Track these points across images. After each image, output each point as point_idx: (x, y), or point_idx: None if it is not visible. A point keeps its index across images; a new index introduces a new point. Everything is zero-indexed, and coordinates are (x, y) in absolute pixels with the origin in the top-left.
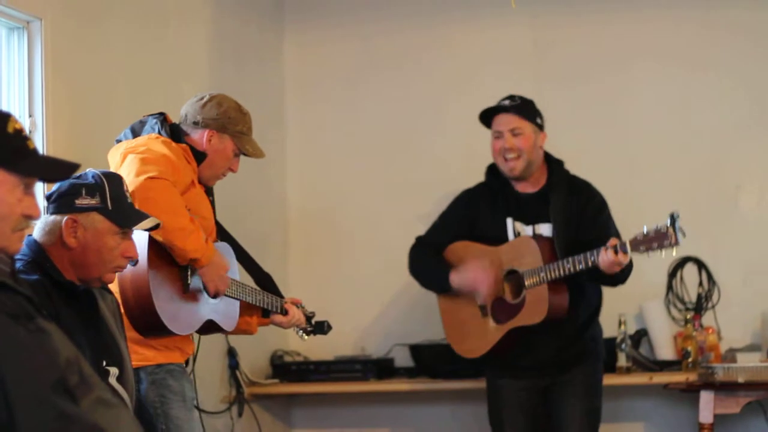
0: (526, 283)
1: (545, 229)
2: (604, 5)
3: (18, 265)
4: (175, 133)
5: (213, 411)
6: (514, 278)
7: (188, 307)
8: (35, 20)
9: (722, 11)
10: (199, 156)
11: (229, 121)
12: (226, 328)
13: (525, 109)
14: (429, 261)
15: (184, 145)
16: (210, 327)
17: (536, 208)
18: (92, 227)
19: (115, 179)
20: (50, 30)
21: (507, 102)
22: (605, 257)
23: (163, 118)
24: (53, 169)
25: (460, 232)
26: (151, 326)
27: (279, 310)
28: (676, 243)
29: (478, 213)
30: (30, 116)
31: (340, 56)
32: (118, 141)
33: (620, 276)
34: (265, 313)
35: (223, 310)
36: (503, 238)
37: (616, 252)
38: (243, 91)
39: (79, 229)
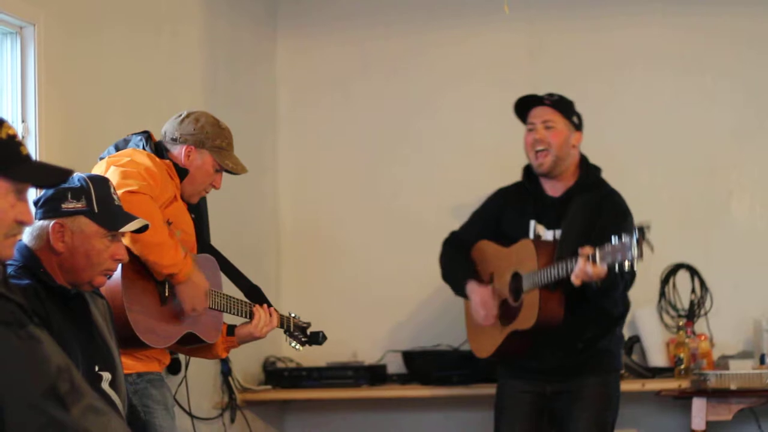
0: (524, 287)
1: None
2: (597, 11)
3: (9, 270)
4: (158, 150)
5: (205, 417)
6: (518, 281)
7: (166, 320)
8: (28, 26)
9: (716, 17)
10: (182, 172)
11: (207, 136)
12: (208, 341)
13: (561, 105)
14: (454, 260)
15: (167, 161)
16: (190, 339)
17: (559, 211)
18: (79, 231)
19: (100, 182)
20: (43, 35)
21: (546, 96)
22: (578, 265)
23: (147, 135)
24: (46, 174)
25: (487, 229)
26: (125, 339)
27: (247, 316)
28: (639, 257)
29: (505, 212)
30: (23, 122)
31: (333, 62)
32: (101, 158)
33: (604, 288)
34: (230, 331)
35: (205, 321)
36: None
37: (587, 260)
38: (236, 97)
39: (66, 233)
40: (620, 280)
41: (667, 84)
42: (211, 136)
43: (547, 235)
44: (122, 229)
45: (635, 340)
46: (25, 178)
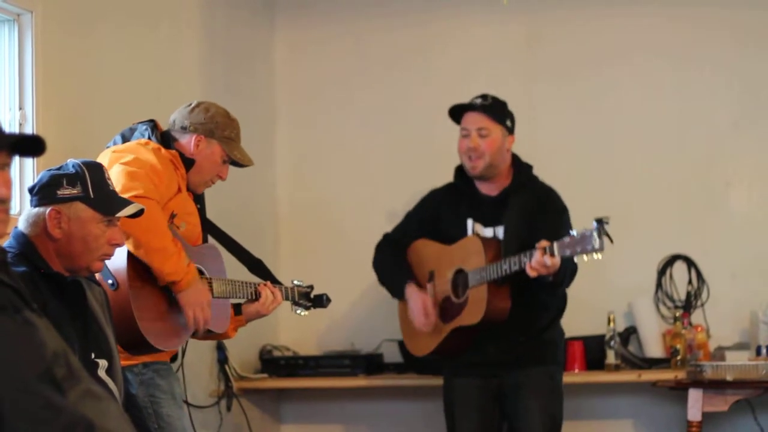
0: (470, 283)
1: (502, 232)
2: (595, 1)
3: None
4: (165, 139)
5: (201, 405)
6: (462, 277)
7: (175, 320)
8: (26, 13)
9: (714, 8)
10: (188, 162)
11: (217, 126)
12: (218, 331)
13: (496, 109)
14: (390, 262)
15: (173, 151)
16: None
17: (496, 210)
18: (76, 217)
19: (95, 168)
20: (41, 22)
21: (479, 101)
22: (534, 257)
23: (153, 124)
24: (21, 142)
25: (423, 230)
26: (137, 346)
27: (254, 296)
28: (600, 249)
29: (441, 212)
30: (20, 109)
31: (331, 54)
32: (108, 147)
33: (557, 282)
34: (237, 311)
35: (213, 312)
36: (461, 239)
37: (544, 253)
38: (233, 88)
39: (63, 219)
40: (568, 275)
41: (665, 74)
42: (221, 126)
43: (486, 232)
44: (118, 214)
45: (632, 330)
46: (3, 145)
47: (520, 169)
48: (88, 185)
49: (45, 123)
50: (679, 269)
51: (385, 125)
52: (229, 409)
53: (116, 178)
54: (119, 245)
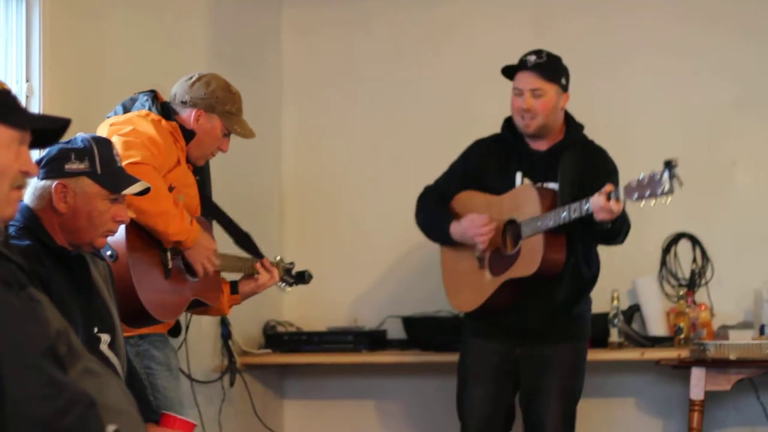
0: (523, 233)
1: (555, 187)
2: None
3: (10, 231)
4: (165, 110)
5: (205, 380)
6: (513, 228)
7: (173, 292)
8: None
9: None
10: (188, 134)
11: (217, 100)
12: (212, 303)
13: (550, 68)
14: (433, 212)
15: (173, 123)
16: (194, 305)
17: (547, 165)
18: (82, 192)
19: (104, 144)
20: None
21: (533, 58)
22: (597, 202)
23: (154, 95)
24: (47, 120)
25: (467, 182)
26: (137, 318)
27: (250, 271)
28: (670, 191)
29: (488, 165)
30: (27, 81)
31: (338, 34)
32: (108, 117)
33: (615, 229)
34: (234, 289)
35: (206, 286)
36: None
37: (609, 198)
38: (241, 65)
39: (69, 194)
40: (625, 226)
41: (671, 53)
42: (222, 101)
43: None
44: (124, 192)
45: (635, 308)
46: (28, 124)
47: (573, 127)
48: (96, 161)
49: (51, 95)
50: (684, 248)
51: (390, 103)
52: (232, 384)
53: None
54: (124, 222)
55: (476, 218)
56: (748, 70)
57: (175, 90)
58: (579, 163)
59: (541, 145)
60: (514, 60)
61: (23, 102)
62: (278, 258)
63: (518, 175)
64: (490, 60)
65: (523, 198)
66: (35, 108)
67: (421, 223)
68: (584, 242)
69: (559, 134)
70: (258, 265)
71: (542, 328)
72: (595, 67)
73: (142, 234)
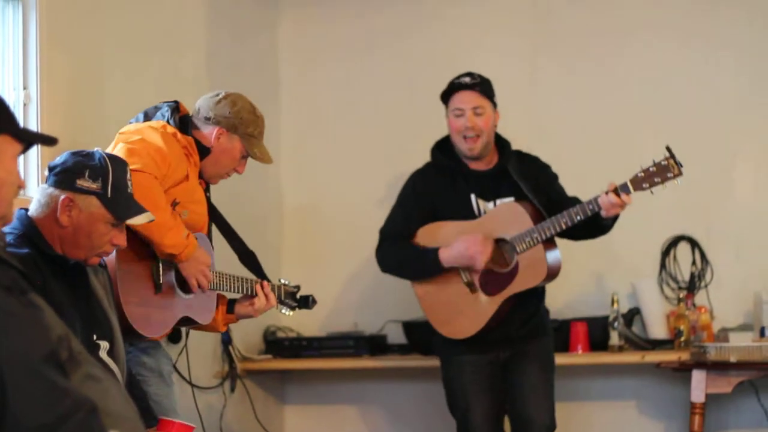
0: (518, 248)
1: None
2: None
3: (9, 238)
4: (183, 124)
5: (205, 386)
6: (500, 247)
7: (161, 307)
8: None
9: None
10: (203, 151)
11: (241, 121)
12: (202, 322)
13: (485, 86)
14: (408, 251)
15: (189, 137)
16: (185, 322)
17: (494, 184)
18: (87, 210)
19: (120, 166)
20: (45, 2)
21: (467, 79)
22: (608, 201)
23: (175, 106)
24: (39, 139)
25: (424, 215)
26: (123, 330)
27: (249, 292)
28: (679, 173)
29: (437, 193)
30: (24, 89)
31: (336, 31)
32: (130, 123)
33: (610, 224)
34: (230, 308)
35: (198, 304)
36: (470, 215)
37: (618, 194)
38: (238, 64)
39: (74, 209)
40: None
41: (671, 52)
42: (245, 122)
43: (489, 206)
44: (129, 222)
45: (635, 311)
46: (29, 139)
47: (504, 143)
48: (109, 184)
49: (48, 102)
50: (683, 250)
51: (389, 102)
52: (233, 390)
53: (117, 154)
54: (120, 247)
55: (471, 237)
56: (747, 71)
57: (199, 104)
58: (525, 174)
59: (480, 166)
60: (511, 50)
61: (21, 109)
62: (283, 281)
63: (472, 197)
64: (492, 49)
65: (510, 215)
66: (33, 115)
67: (396, 267)
68: (572, 238)
69: (494, 153)
70: (258, 287)
71: (523, 330)
72: (591, 61)
73: (135, 246)
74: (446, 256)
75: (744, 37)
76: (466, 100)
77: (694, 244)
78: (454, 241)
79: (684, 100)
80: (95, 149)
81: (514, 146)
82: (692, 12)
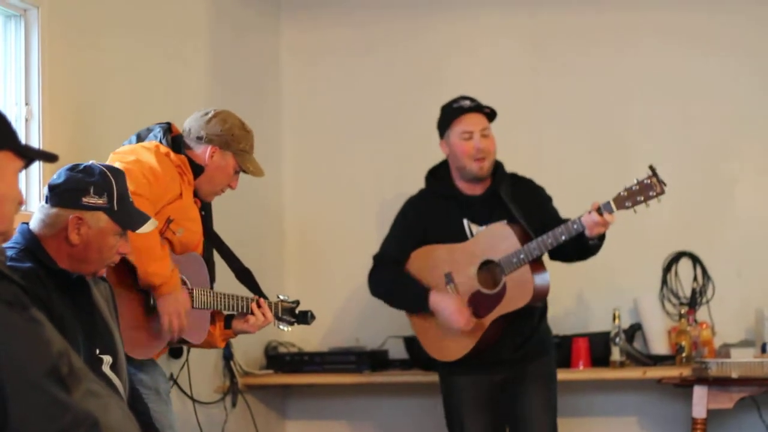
0: (506, 270)
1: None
2: None
3: (11, 253)
4: (176, 144)
5: (207, 401)
6: (490, 268)
7: (150, 329)
8: (32, 8)
9: None
10: (197, 169)
11: (233, 138)
12: (194, 341)
13: (488, 109)
14: (399, 281)
15: (182, 156)
16: (178, 341)
17: (487, 208)
18: (97, 226)
19: (120, 176)
20: (47, 18)
21: (468, 102)
22: (591, 219)
23: (167, 127)
24: (40, 155)
25: (415, 242)
26: None
27: (245, 310)
28: (662, 192)
29: (431, 219)
30: (27, 104)
31: (337, 40)
32: (123, 146)
33: (598, 244)
34: (228, 324)
35: (190, 324)
36: (462, 240)
37: (600, 213)
38: (239, 71)
39: (83, 226)
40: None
41: (672, 67)
42: (237, 139)
43: (481, 230)
44: (138, 230)
45: (637, 327)
46: (30, 156)
47: (497, 165)
48: (114, 197)
49: (51, 118)
50: (685, 266)
51: (391, 123)
52: (234, 405)
53: None
54: (125, 255)
55: (465, 310)
56: (748, 87)
57: (189, 125)
58: (517, 197)
59: (475, 190)
60: (511, 69)
61: (23, 125)
62: (281, 297)
63: (465, 222)
64: (490, 60)
65: (498, 237)
66: (35, 131)
67: (383, 293)
68: (564, 260)
69: (489, 176)
70: (254, 305)
71: (519, 353)
72: (592, 77)
73: (128, 268)
74: (434, 302)
75: (747, 51)
76: (473, 122)
77: (695, 259)
78: (446, 294)
79: (686, 118)
80: (90, 162)
81: (512, 154)
82: (695, 24)
